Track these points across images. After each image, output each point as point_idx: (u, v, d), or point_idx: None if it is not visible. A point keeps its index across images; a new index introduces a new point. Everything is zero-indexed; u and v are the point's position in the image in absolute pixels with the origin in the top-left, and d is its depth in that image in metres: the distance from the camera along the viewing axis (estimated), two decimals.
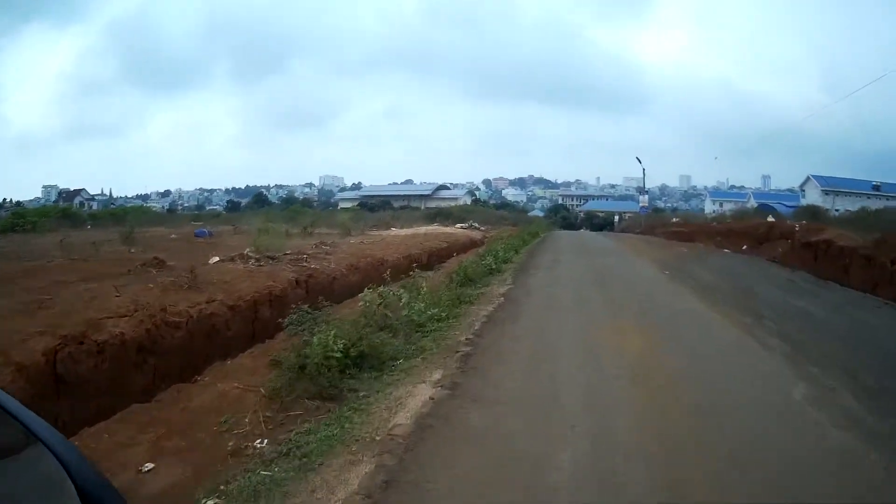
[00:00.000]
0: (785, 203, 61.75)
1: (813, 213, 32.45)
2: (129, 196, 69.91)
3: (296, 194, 78.86)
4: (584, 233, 38.64)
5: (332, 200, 71.95)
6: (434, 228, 19.60)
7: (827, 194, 54.74)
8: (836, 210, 38.82)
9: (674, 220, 38.64)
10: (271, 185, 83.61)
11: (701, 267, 11.79)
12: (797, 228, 15.06)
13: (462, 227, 22.47)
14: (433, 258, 12.49)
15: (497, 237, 19.31)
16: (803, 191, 63.90)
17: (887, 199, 39.41)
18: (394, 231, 17.79)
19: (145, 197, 74.06)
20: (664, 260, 12.75)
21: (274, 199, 68.02)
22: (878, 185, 50.04)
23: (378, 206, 48.73)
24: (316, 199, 75.59)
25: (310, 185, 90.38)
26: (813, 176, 60.85)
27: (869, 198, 49.75)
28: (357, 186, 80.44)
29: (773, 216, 37.20)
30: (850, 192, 52.22)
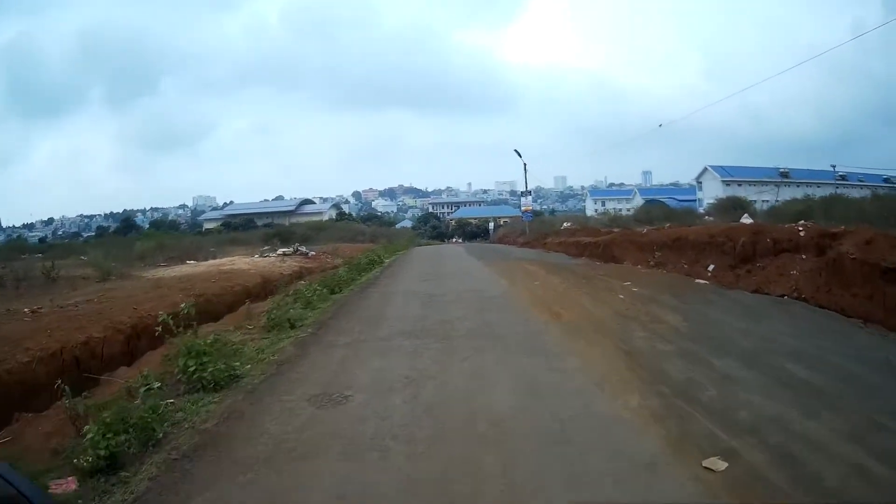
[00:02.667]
0: (676, 197, 68.63)
1: (734, 205, 33.96)
2: (17, 226, 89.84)
3: (170, 216, 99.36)
4: (451, 248, 40.18)
5: (199, 220, 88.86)
6: (229, 262, 19.25)
7: (728, 185, 61.28)
8: (766, 202, 42.33)
9: (565, 224, 38.53)
10: (147, 208, 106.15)
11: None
12: (801, 233, 12.80)
13: (277, 256, 22.10)
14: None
15: (321, 266, 19.17)
16: (699, 183, 71.53)
17: (798, 186, 44.10)
18: (178, 269, 18.11)
19: (31, 226, 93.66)
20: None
21: (145, 223, 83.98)
22: (787, 172, 57.40)
23: (242, 226, 60.49)
24: (183, 221, 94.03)
25: (183, 206, 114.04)
26: (711, 167, 69.33)
27: (777, 186, 57.14)
28: (227, 206, 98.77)
29: (662, 210, 42.53)
30: (757, 181, 58.98)
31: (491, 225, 72.74)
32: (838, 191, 38.09)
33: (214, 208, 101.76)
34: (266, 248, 26.36)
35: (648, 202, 62.53)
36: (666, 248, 17.43)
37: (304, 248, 25.58)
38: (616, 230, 25.99)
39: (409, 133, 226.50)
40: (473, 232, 75.54)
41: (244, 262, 18.83)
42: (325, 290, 12.81)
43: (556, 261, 21.68)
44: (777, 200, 35.39)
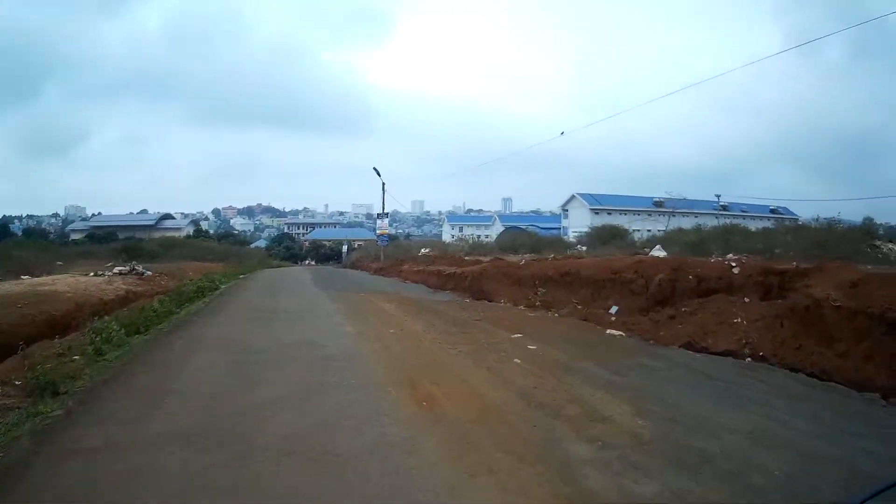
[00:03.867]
0: (539, 225, 69.41)
1: (611, 234, 33.28)
2: None
3: (43, 225, 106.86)
4: (300, 273, 38.99)
5: (66, 231, 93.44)
6: (52, 280, 17.75)
7: (597, 213, 62.82)
8: (648, 230, 42.54)
9: (423, 250, 38.18)
10: (24, 215, 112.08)
11: None
12: (735, 269, 10.86)
13: (112, 275, 21.08)
14: None
15: (153, 290, 18.35)
16: (566, 211, 73.30)
17: (673, 215, 45.19)
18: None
19: None
20: None
21: (18, 230, 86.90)
22: (661, 201, 59.55)
23: (105, 238, 62.56)
24: (52, 230, 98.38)
25: (56, 215, 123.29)
26: (579, 194, 70.87)
27: (650, 215, 59.13)
28: (95, 216, 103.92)
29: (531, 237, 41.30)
30: (628, 209, 61.25)
31: (345, 248, 74.38)
32: (719, 220, 39.02)
33: (83, 219, 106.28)
34: (110, 264, 25.27)
35: (509, 229, 63.13)
36: (551, 285, 15.30)
37: (139, 268, 23.96)
38: (485, 260, 23.78)
39: (272, 151, 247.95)
40: (327, 254, 78.83)
41: (67, 283, 16.85)
42: (121, 332, 10.39)
43: (417, 295, 19.20)
44: (661, 230, 35.32)
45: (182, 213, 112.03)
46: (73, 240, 71.25)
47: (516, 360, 8.04)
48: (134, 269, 23.25)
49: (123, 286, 18.24)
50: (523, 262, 19.42)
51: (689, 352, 8.90)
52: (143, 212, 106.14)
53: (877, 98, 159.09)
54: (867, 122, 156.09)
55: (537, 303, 14.37)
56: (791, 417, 5.63)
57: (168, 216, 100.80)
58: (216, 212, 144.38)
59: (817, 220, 19.09)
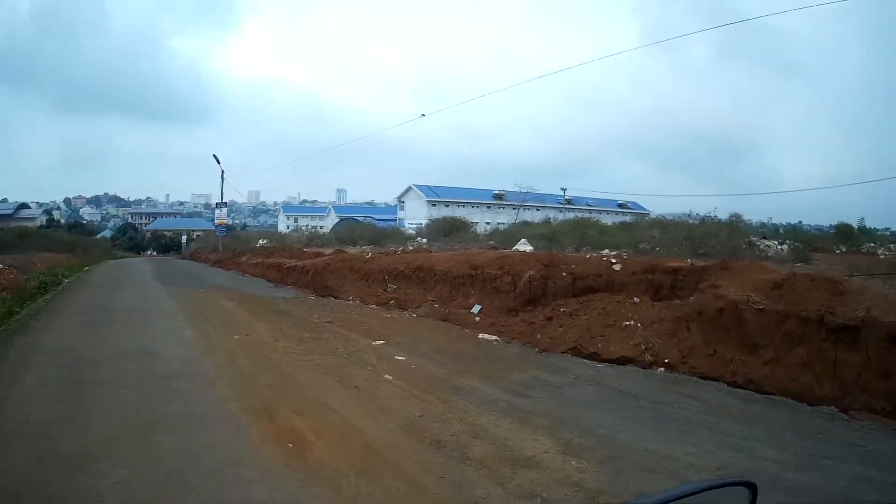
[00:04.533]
0: (374, 217, 68.48)
1: (453, 226, 32.79)
2: None
3: None
4: (141, 265, 37.81)
5: None
6: None
7: (434, 205, 62.89)
8: (488, 223, 42.71)
9: (260, 241, 37.88)
10: None
11: None
12: (616, 266, 10.32)
13: None
14: None
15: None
16: (402, 202, 73.01)
17: (514, 208, 46.11)
18: None
19: None
20: None
21: None
22: (501, 194, 60.72)
23: None
24: None
25: None
26: (416, 186, 70.02)
27: (489, 207, 60.23)
28: None
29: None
30: (466, 201, 61.69)
31: (184, 238, 73.98)
32: (563, 214, 40.06)
33: None
34: None
35: (344, 220, 62.18)
36: (402, 280, 14.25)
37: None
38: (326, 252, 22.44)
39: (118, 140, 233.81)
40: (168, 245, 78.93)
41: None
42: None
43: (258, 291, 18.57)
44: (502, 223, 35.55)
45: (37, 203, 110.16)
46: None
47: (387, 376, 6.92)
48: None
49: None
50: (369, 255, 18.23)
51: (582, 360, 8.13)
52: (4, 201, 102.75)
53: (733, 96, 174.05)
54: (723, 120, 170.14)
55: (391, 301, 13.21)
56: (753, 444, 4.98)
57: (25, 206, 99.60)
58: (67, 201, 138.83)
59: (690, 215, 19.35)
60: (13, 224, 64.70)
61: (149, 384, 6.88)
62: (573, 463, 4.37)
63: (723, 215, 18.02)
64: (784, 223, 24.78)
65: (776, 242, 16.56)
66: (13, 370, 7.72)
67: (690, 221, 16.04)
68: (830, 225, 31.13)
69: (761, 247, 15.49)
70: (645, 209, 53.20)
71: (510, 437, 4.81)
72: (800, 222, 28.19)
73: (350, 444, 4.85)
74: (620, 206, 62.90)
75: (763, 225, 23.36)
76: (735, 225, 16.72)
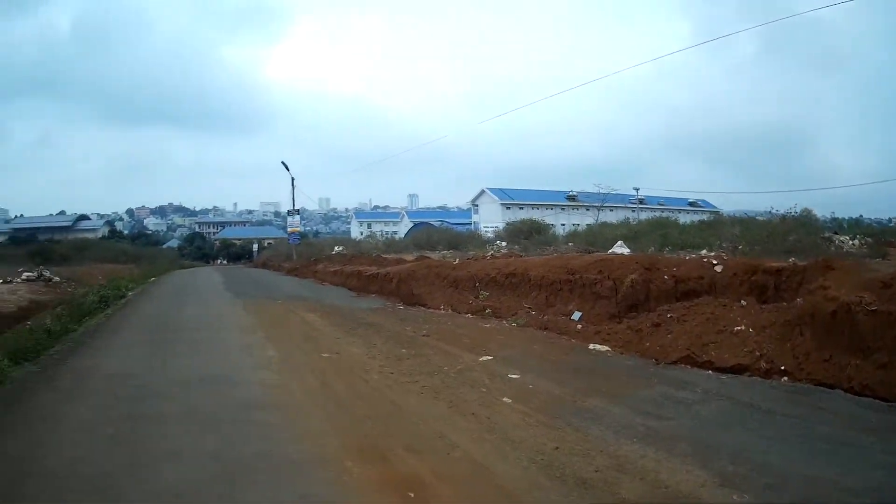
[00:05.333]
0: (448, 221, 68.35)
1: (532, 228, 32.13)
2: None
3: None
4: (210, 275, 37.13)
5: None
6: None
7: (508, 208, 62.44)
8: (563, 224, 42.02)
9: (337, 248, 37.36)
10: None
11: None
12: (717, 267, 9.61)
13: (21, 281, 21.25)
14: None
15: (59, 298, 17.30)
16: (475, 206, 72.86)
17: (587, 209, 45.16)
18: None
19: None
20: None
21: None
22: (574, 195, 59.90)
23: (25, 241, 61.55)
24: None
25: None
26: (490, 189, 70.09)
27: (563, 209, 59.51)
28: (16, 219, 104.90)
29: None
30: (539, 204, 61.05)
31: (255, 247, 75.76)
32: (635, 214, 38.97)
33: (6, 221, 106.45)
34: (21, 269, 25.09)
35: (417, 225, 62.32)
36: (494, 287, 13.78)
37: (47, 274, 23.55)
38: (409, 259, 22.16)
39: (178, 150, 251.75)
40: (238, 254, 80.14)
41: None
42: (3, 362, 8.67)
43: (340, 302, 17.33)
44: (576, 224, 34.72)
45: (98, 214, 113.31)
46: None
47: (505, 398, 6.16)
48: (41, 275, 23.01)
49: (28, 295, 17.49)
50: (456, 261, 17.82)
51: (697, 369, 7.45)
52: (62, 213, 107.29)
53: (790, 94, 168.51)
54: (781, 117, 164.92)
55: (486, 310, 12.67)
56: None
57: (84, 217, 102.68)
58: (130, 212, 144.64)
59: (771, 212, 18.44)
60: (71, 236, 67.22)
61: (226, 418, 5.89)
62: (734, 497, 3.76)
63: (783, 210, 17.22)
64: (847, 217, 23.31)
65: (848, 237, 15.38)
66: (63, 402, 6.79)
67: (769, 219, 15.35)
68: (889, 218, 29.95)
69: (836, 242, 14.37)
70: (715, 207, 51.54)
71: (660, 470, 4.17)
72: (861, 216, 26.45)
73: (482, 489, 4.12)
74: (691, 204, 61.08)
75: (832, 220, 22.06)
76: (810, 221, 15.82)
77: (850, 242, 14.62)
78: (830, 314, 6.98)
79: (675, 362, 7.77)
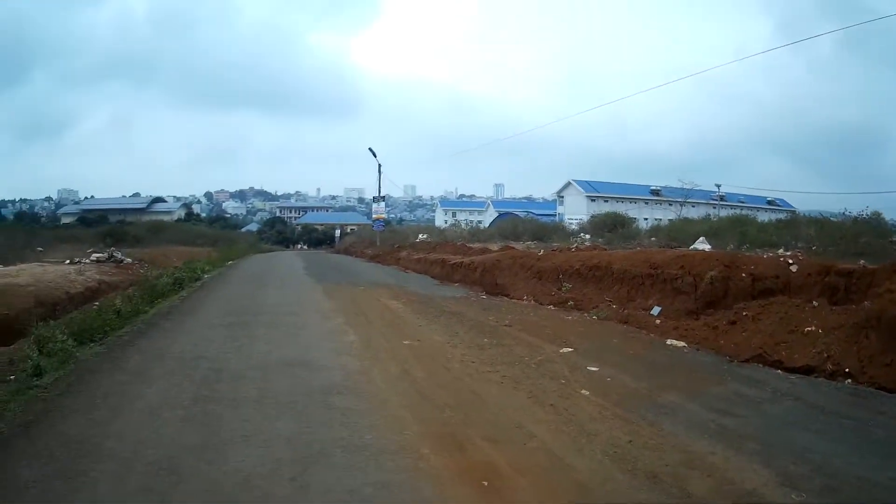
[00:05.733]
0: (533, 212, 67.82)
1: (615, 221, 31.56)
2: None
3: (36, 209, 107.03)
4: (291, 259, 36.98)
5: (58, 214, 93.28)
6: (17, 270, 15.14)
7: (594, 200, 61.60)
8: (646, 219, 41.23)
9: (421, 236, 36.79)
10: (17, 199, 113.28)
11: None
12: (792, 267, 9.60)
13: (90, 262, 19.83)
14: None
15: (130, 280, 17.12)
16: (561, 197, 71.87)
17: (670, 205, 44.07)
18: None
19: None
20: None
21: (10, 215, 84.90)
22: (658, 190, 58.57)
23: (96, 221, 60.92)
24: (44, 214, 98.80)
25: (48, 198, 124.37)
26: (575, 181, 69.03)
27: (647, 203, 58.25)
28: (87, 200, 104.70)
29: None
30: (624, 197, 59.99)
31: (337, 232, 74.37)
32: (715, 210, 37.92)
33: (76, 202, 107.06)
34: (90, 250, 23.36)
35: (503, 215, 62.07)
36: (576, 279, 13.94)
37: (118, 255, 22.23)
38: (493, 248, 22.42)
39: (262, 135, 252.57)
40: (319, 239, 78.16)
41: (33, 273, 14.57)
42: (68, 342, 8.19)
43: (424, 290, 17.24)
44: (659, 219, 34.08)
45: (175, 197, 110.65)
46: (63, 224, 70.66)
47: (584, 391, 6.35)
48: (112, 255, 21.83)
49: (97, 276, 16.66)
50: (541, 252, 18.04)
51: (767, 368, 7.57)
52: (136, 195, 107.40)
53: (868, 92, 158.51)
54: (861, 115, 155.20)
55: (568, 302, 12.90)
56: None
57: (159, 199, 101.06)
58: (208, 195, 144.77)
59: (845, 214, 17.79)
60: (146, 218, 65.20)
61: (303, 403, 5.81)
62: (793, 496, 3.92)
63: (855, 212, 16.62)
64: None
65: None
66: (132, 383, 6.65)
67: (842, 220, 14.93)
68: None
69: None
70: (791, 206, 49.42)
71: (728, 468, 4.37)
72: None
73: (556, 480, 4.19)
74: (769, 203, 58.67)
75: None
76: (880, 224, 15.25)
77: None
78: (895, 318, 6.99)
79: (747, 360, 7.89)
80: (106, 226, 45.74)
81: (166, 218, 71.48)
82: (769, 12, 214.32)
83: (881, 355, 6.92)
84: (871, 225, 15.68)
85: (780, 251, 12.67)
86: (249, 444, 4.73)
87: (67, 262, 18.88)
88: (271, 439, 4.84)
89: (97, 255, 21.41)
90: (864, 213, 16.58)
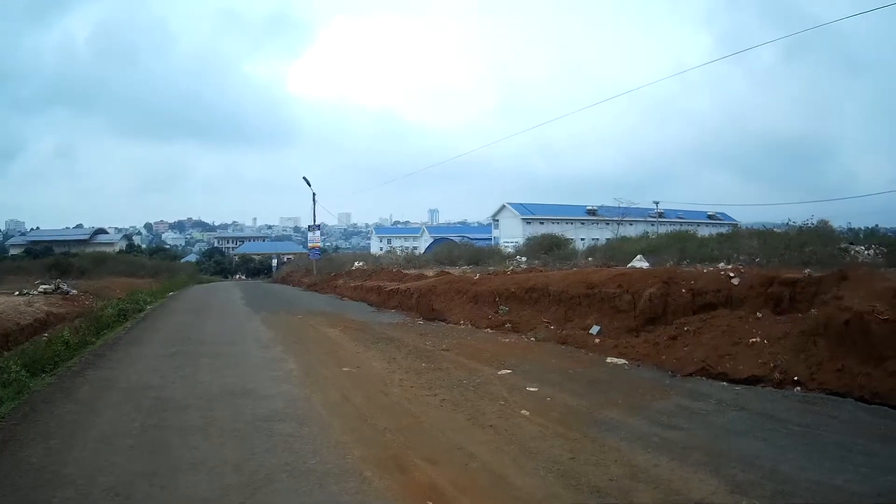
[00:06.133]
0: (469, 236, 68.08)
1: (552, 243, 32.13)
2: None
3: None
4: (229, 290, 36.72)
5: (6, 245, 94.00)
6: None
7: (529, 223, 62.62)
8: (582, 239, 41.98)
9: (357, 264, 37.69)
10: None
11: None
12: (734, 279, 9.64)
13: (37, 294, 20.16)
14: None
15: (77, 311, 17.20)
16: (496, 221, 72.85)
17: (607, 224, 45.12)
18: None
19: None
20: None
21: None
22: (594, 210, 59.84)
23: (42, 253, 62.29)
24: None
25: None
26: (510, 204, 70.35)
27: (583, 223, 59.47)
28: (33, 231, 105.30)
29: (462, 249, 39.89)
30: (560, 218, 61.09)
31: (274, 261, 74.81)
32: (654, 227, 38.85)
33: (22, 233, 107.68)
34: (38, 281, 24.54)
35: (438, 240, 62.19)
36: (514, 302, 13.81)
37: (64, 286, 22.59)
38: (429, 274, 22.20)
39: (199, 164, 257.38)
40: (257, 269, 78.78)
41: None
42: (21, 373, 8.44)
43: (361, 316, 17.24)
44: (596, 239, 34.63)
45: (116, 228, 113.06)
46: (11, 255, 71.27)
47: (524, 411, 6.26)
48: (58, 287, 22.04)
49: (45, 307, 16.71)
50: (477, 276, 17.90)
51: (712, 381, 7.55)
52: (79, 226, 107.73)
53: (810, 101, 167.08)
54: (801, 125, 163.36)
55: (506, 324, 12.76)
56: None
57: (101, 231, 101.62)
58: (148, 226, 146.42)
59: (789, 224, 18.30)
60: (89, 250, 66.43)
61: (248, 431, 5.86)
62: (744, 503, 3.90)
63: (800, 222, 17.17)
64: (863, 227, 23.18)
65: (863, 247, 15.30)
66: (82, 413, 6.76)
67: (786, 231, 15.33)
68: None
69: (852, 252, 14.30)
70: (733, 219, 51.37)
71: (672, 478, 4.30)
72: (877, 226, 26.18)
73: (500, 499, 4.17)
74: (710, 217, 60.79)
75: (848, 230, 21.90)
76: (827, 232, 15.76)
77: (865, 252, 14.55)
78: (843, 324, 7.14)
79: (691, 374, 7.90)
80: (51, 257, 46.09)
81: (108, 249, 72.92)
82: (710, 26, 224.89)
83: (831, 361, 7.03)
84: (818, 233, 16.08)
85: (722, 265, 12.88)
86: (198, 471, 4.80)
87: (17, 293, 19.34)
88: (218, 466, 4.91)
89: (44, 286, 21.85)
90: (810, 222, 17.03)
